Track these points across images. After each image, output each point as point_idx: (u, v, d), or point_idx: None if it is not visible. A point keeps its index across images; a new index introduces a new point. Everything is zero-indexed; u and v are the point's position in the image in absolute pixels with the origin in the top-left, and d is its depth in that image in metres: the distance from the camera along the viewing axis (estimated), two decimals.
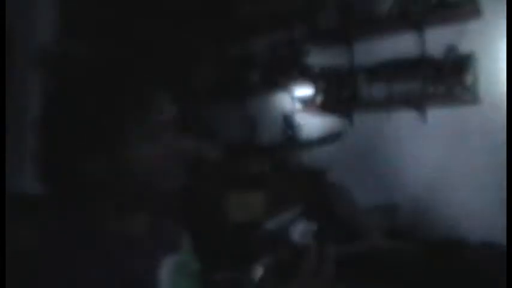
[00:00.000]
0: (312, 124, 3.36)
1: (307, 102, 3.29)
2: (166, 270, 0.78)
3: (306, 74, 3.36)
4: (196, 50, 3.42)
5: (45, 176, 0.75)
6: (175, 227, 0.91)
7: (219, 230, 2.79)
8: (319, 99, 3.17)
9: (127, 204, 0.76)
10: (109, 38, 0.77)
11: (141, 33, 0.79)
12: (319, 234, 2.49)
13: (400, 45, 2.96)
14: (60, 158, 0.74)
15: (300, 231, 2.68)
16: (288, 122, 3.49)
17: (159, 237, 0.82)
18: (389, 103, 2.83)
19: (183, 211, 0.91)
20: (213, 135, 3.48)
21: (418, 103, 2.80)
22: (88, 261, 0.67)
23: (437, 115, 2.86)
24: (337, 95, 3.06)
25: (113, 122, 0.72)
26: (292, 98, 3.51)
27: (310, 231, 2.67)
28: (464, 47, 2.70)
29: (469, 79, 2.60)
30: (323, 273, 0.90)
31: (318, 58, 3.36)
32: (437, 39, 2.80)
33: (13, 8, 2.52)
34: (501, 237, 2.42)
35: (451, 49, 2.73)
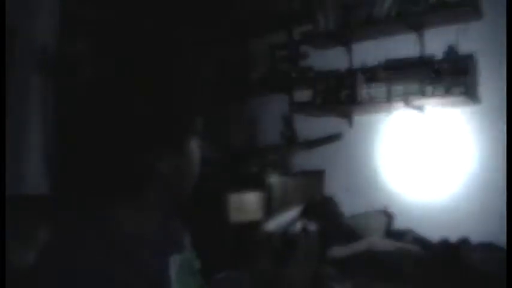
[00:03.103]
0: (312, 125, 3.36)
1: (306, 103, 3.29)
2: (172, 268, 0.79)
3: (305, 75, 3.36)
4: (196, 50, 3.42)
5: (57, 175, 0.77)
6: (179, 227, 0.92)
7: (219, 230, 2.79)
8: (318, 100, 3.17)
9: (140, 204, 0.77)
10: (109, 39, 0.77)
11: (140, 34, 0.79)
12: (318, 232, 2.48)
13: (399, 45, 2.96)
14: (74, 158, 0.74)
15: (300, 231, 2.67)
16: (287, 122, 3.49)
17: (166, 236, 0.83)
18: (389, 104, 2.83)
19: (185, 211, 0.92)
20: (214, 136, 3.47)
21: (417, 103, 2.80)
22: (100, 260, 0.67)
23: (437, 115, 2.86)
24: (337, 96, 3.06)
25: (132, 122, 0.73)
26: (292, 99, 3.51)
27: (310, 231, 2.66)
28: (464, 47, 2.71)
29: (469, 79, 2.60)
30: (311, 252, 0.92)
31: (317, 59, 3.37)
32: (437, 39, 2.80)
33: (13, 8, 2.52)
34: (501, 237, 2.42)
35: (450, 49, 2.73)
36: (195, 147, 0.81)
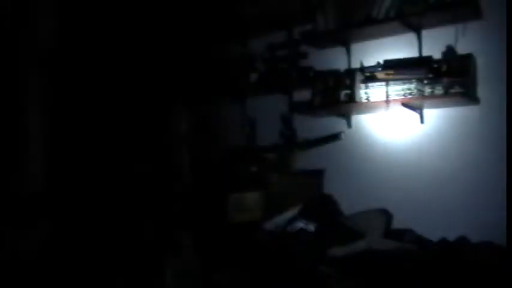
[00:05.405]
0: (312, 125, 3.36)
1: (306, 103, 3.29)
2: (171, 270, 0.79)
3: (304, 75, 3.36)
4: (196, 51, 3.43)
5: (58, 178, 0.77)
6: (178, 228, 0.92)
7: (219, 231, 2.79)
8: (317, 100, 3.17)
9: (138, 207, 0.77)
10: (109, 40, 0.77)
11: (141, 32, 0.80)
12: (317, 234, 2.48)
13: (398, 45, 2.96)
14: (72, 160, 0.75)
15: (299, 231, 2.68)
16: (287, 122, 3.49)
17: (164, 239, 0.83)
18: (388, 104, 2.83)
19: (185, 212, 0.92)
20: (214, 136, 3.48)
21: (416, 104, 2.80)
22: (98, 262, 0.68)
23: (436, 116, 2.86)
24: (336, 96, 3.05)
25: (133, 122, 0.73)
26: (291, 99, 3.51)
27: (309, 231, 2.67)
28: (463, 47, 2.71)
29: (468, 79, 2.60)
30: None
31: (316, 59, 3.37)
32: (436, 39, 2.81)
33: (14, 8, 2.52)
34: (501, 237, 2.42)
35: (449, 49, 2.73)
36: (184, 149, 0.81)
